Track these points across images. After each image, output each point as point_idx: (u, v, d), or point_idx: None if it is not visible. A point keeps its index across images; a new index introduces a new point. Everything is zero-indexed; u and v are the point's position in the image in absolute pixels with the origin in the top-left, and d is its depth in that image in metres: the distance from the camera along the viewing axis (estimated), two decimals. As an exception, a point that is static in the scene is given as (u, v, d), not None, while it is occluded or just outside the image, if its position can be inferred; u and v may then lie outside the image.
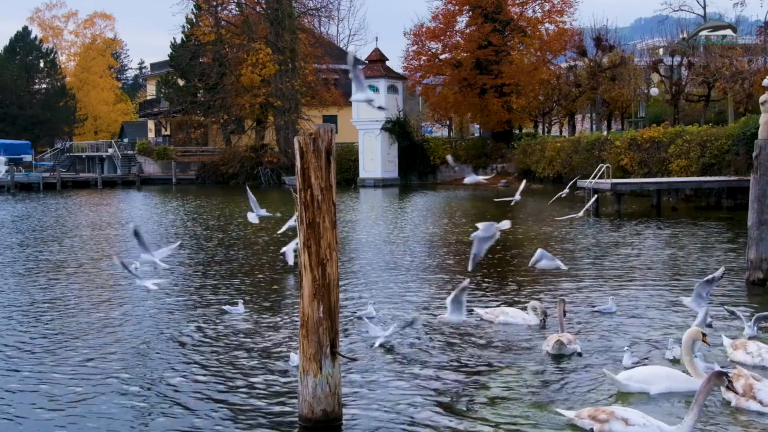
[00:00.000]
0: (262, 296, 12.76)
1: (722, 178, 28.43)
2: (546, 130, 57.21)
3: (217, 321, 10.90)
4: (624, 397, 7.38)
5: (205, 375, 8.36)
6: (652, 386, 7.40)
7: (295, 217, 12.70)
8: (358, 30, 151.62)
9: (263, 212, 13.38)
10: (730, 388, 6.49)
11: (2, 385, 8.05)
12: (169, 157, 62.05)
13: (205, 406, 7.39)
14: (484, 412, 7.12)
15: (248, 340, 9.83)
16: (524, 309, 10.65)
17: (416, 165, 52.12)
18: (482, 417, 7.01)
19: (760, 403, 6.84)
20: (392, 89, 52.06)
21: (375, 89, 51.76)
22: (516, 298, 12.15)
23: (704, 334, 7.75)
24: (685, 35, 47.07)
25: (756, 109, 32.12)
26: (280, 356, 9.02)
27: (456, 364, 8.67)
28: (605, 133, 43.28)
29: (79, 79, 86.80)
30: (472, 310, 10.86)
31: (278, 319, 11.00)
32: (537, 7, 51.89)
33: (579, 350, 8.85)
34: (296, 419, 6.86)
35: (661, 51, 53.36)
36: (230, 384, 8.04)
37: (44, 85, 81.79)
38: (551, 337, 8.98)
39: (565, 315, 9.40)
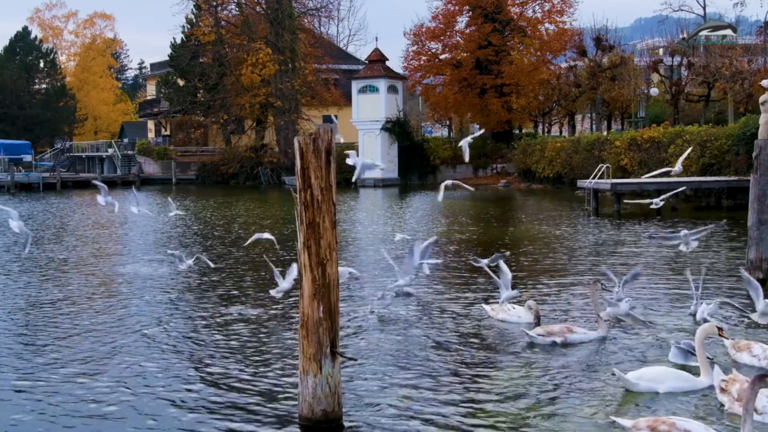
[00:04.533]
0: (263, 295, 12.75)
1: (722, 178, 28.40)
2: (546, 130, 57.19)
3: (217, 320, 10.91)
4: (633, 395, 7.39)
5: (204, 374, 8.36)
6: (661, 385, 7.43)
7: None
8: (358, 30, 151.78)
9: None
10: None
11: (3, 383, 8.06)
12: (169, 157, 62.04)
13: (205, 406, 7.39)
14: (486, 412, 7.11)
15: (248, 339, 9.83)
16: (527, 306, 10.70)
17: (416, 165, 52.09)
18: (484, 417, 7.01)
19: (755, 411, 6.71)
20: (392, 89, 52.05)
21: (375, 89, 51.85)
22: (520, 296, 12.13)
23: (720, 329, 7.74)
24: (685, 35, 47.05)
25: (756, 109, 32.11)
26: (280, 356, 9.02)
27: (456, 363, 8.66)
28: (605, 133, 43.29)
29: (79, 79, 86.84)
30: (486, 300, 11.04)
31: (278, 318, 11.00)
32: (537, 7, 51.94)
33: (558, 341, 9.17)
34: (296, 419, 6.86)
35: (661, 51, 53.40)
36: (230, 384, 8.03)
37: (44, 85, 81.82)
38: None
39: (610, 290, 9.97)
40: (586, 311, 11.07)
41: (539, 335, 9.32)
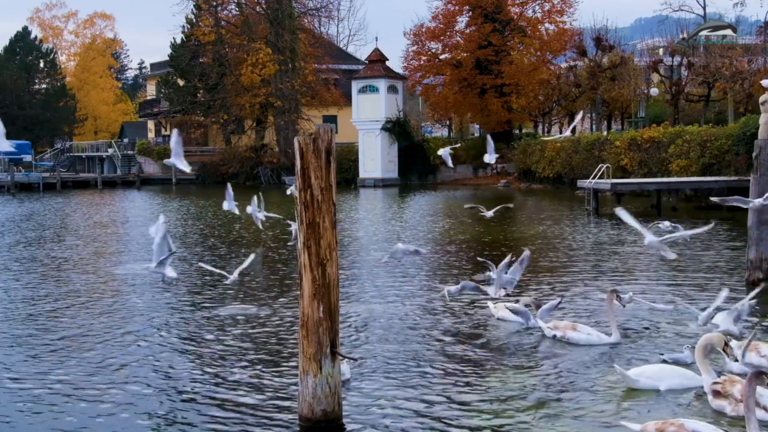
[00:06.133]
0: (263, 295, 12.76)
1: (722, 178, 28.38)
2: (546, 130, 57.18)
3: (216, 320, 10.90)
4: (634, 394, 7.39)
5: (204, 374, 8.36)
6: (662, 382, 7.44)
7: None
8: (358, 30, 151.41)
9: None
10: None
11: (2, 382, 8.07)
12: (169, 157, 61.99)
13: (205, 406, 7.39)
14: (487, 412, 7.11)
15: (248, 339, 9.83)
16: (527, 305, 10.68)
17: (416, 165, 52.07)
18: (485, 417, 7.01)
19: (765, 409, 6.52)
20: (392, 89, 52.04)
21: (375, 89, 51.85)
22: (518, 295, 12.13)
23: (727, 343, 7.52)
24: (685, 35, 47.04)
25: (756, 109, 32.10)
26: (281, 356, 9.02)
27: (456, 362, 8.66)
28: (605, 133, 43.29)
29: (79, 79, 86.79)
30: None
31: (278, 318, 11.00)
32: (537, 7, 51.88)
33: (558, 335, 9.33)
34: (296, 419, 6.86)
35: (661, 51, 53.40)
36: (230, 384, 8.03)
37: (44, 85, 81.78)
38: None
39: (623, 305, 9.87)
40: (585, 310, 11.08)
41: (547, 326, 9.50)
